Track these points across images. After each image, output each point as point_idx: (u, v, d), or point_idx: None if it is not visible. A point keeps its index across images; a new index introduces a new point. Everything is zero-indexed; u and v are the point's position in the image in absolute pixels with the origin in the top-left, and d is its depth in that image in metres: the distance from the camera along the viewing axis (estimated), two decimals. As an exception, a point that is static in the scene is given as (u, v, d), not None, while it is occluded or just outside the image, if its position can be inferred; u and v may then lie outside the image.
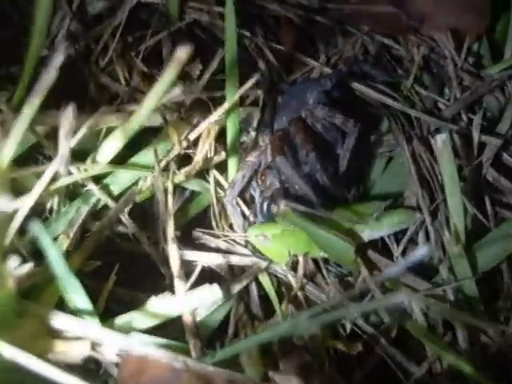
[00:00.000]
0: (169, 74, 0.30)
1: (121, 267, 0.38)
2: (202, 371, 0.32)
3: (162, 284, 0.40)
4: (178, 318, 0.36)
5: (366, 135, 0.42)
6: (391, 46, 0.49)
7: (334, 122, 0.40)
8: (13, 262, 0.27)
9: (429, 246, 0.39)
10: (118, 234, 0.41)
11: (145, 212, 0.42)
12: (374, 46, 0.49)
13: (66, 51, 0.31)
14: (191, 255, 0.40)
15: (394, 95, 0.46)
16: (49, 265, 0.33)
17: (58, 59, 0.30)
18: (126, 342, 0.31)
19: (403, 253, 0.41)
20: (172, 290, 0.36)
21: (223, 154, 0.41)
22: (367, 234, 0.40)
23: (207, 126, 0.38)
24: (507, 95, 0.46)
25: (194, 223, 0.43)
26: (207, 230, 0.42)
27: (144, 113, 0.33)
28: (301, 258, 0.40)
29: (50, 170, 0.33)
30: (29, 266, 0.29)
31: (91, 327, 0.31)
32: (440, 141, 0.38)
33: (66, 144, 0.33)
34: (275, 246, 0.39)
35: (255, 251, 0.41)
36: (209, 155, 0.40)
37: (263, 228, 0.40)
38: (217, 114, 0.37)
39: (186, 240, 0.41)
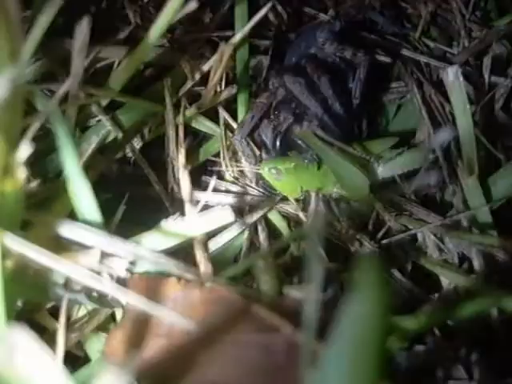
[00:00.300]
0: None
1: (129, 207, 0.37)
2: (215, 287, 0.31)
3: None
4: (186, 247, 0.35)
5: (376, 74, 0.42)
6: (399, 4, 0.50)
7: (344, 55, 0.40)
8: (23, 150, 0.27)
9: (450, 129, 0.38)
10: (126, 174, 0.41)
11: (153, 154, 0.42)
12: (382, 2, 0.49)
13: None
14: (201, 196, 0.39)
15: (403, 44, 0.46)
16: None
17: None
18: (136, 253, 0.31)
19: (415, 193, 0.41)
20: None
21: (232, 90, 0.41)
22: (381, 171, 0.40)
23: (219, 56, 0.37)
24: (512, 45, 0.46)
25: (204, 168, 0.43)
26: (217, 169, 0.41)
27: (159, 29, 0.32)
28: (313, 195, 0.39)
29: (63, 87, 0.33)
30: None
31: (102, 236, 0.30)
32: (451, 73, 0.37)
33: (79, 60, 0.33)
34: (288, 180, 0.39)
35: (266, 188, 0.40)
36: (218, 89, 0.40)
37: (276, 162, 0.39)
38: (229, 46, 0.37)
39: (196, 184, 0.41)
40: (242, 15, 0.38)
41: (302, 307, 0.30)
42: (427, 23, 0.48)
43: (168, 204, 0.40)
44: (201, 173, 0.42)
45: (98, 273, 0.31)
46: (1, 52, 0.25)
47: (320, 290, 0.29)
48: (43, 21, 0.31)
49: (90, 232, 0.30)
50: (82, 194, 0.30)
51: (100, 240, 0.30)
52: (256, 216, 0.39)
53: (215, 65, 0.37)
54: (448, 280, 0.36)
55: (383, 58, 0.45)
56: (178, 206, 0.39)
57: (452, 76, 0.38)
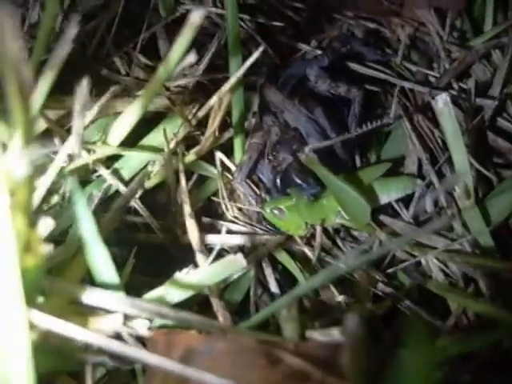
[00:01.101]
0: (184, 38, 0.31)
1: (135, 257, 0.37)
2: (238, 337, 0.31)
3: (177, 271, 0.40)
4: (199, 296, 0.35)
5: (367, 106, 0.43)
6: (376, 29, 0.51)
7: (338, 92, 0.41)
8: (44, 226, 0.27)
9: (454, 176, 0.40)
10: (128, 223, 0.41)
11: (153, 201, 0.42)
12: (360, 30, 0.50)
13: (77, 25, 0.31)
14: (204, 238, 0.40)
15: (387, 71, 0.47)
16: (73, 240, 0.33)
17: (72, 32, 0.30)
18: (158, 313, 0.31)
19: (414, 218, 0.42)
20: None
21: (228, 136, 0.42)
22: (378, 197, 0.41)
23: (215, 102, 0.38)
24: (493, 65, 0.48)
25: (202, 210, 0.43)
26: (219, 210, 0.42)
27: (159, 82, 0.33)
28: (318, 229, 0.40)
29: (65, 148, 0.33)
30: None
31: (122, 300, 0.30)
32: (441, 101, 0.38)
33: (80, 120, 0.33)
34: (291, 217, 0.39)
35: (270, 228, 0.41)
36: (217, 133, 0.40)
37: (277, 202, 0.40)
38: (225, 89, 0.37)
39: (198, 225, 0.41)
40: (236, 58, 0.39)
41: (327, 350, 0.31)
42: (407, 47, 0.49)
43: (174, 251, 0.40)
44: (200, 214, 0.42)
45: (121, 335, 0.31)
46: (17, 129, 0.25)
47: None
48: (45, 86, 0.31)
49: (110, 296, 0.30)
50: (100, 259, 0.30)
51: (121, 303, 0.30)
52: (264, 256, 0.40)
53: (214, 112, 0.37)
54: (456, 303, 0.37)
55: (370, 87, 0.46)
56: (184, 253, 0.39)
57: (442, 104, 0.39)
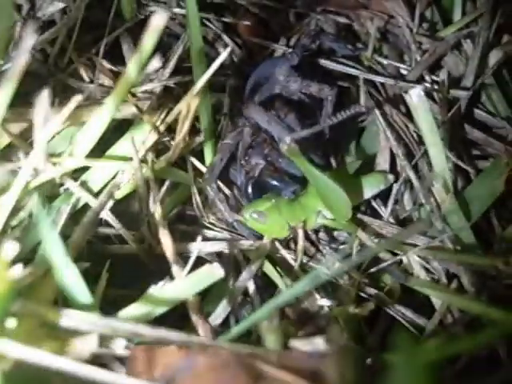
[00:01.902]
0: (148, 42, 0.29)
1: (107, 270, 0.36)
2: (219, 351, 0.30)
3: (153, 282, 0.38)
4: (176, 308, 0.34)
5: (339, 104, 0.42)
6: (345, 22, 0.50)
7: (309, 91, 0.40)
8: (9, 250, 0.25)
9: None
10: (99, 235, 0.39)
11: (122, 211, 0.40)
12: (329, 25, 0.49)
13: (35, 33, 0.29)
14: (180, 247, 0.38)
15: (357, 66, 0.46)
16: (42, 260, 0.31)
17: (30, 41, 0.29)
18: (136, 331, 0.30)
19: (393, 214, 0.41)
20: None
21: (199, 140, 0.40)
22: (355, 194, 0.40)
23: (183, 107, 0.37)
24: (464, 55, 0.47)
25: (177, 217, 0.42)
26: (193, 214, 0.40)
27: (123, 91, 0.31)
28: (300, 232, 0.39)
29: (28, 163, 0.32)
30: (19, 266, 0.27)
31: (98, 320, 0.29)
32: (415, 95, 0.38)
33: (42, 134, 0.31)
34: (273, 219, 0.38)
35: (249, 232, 0.40)
36: (187, 139, 0.39)
37: (256, 205, 0.39)
38: (192, 93, 0.36)
39: (173, 233, 0.40)
40: (200, 61, 0.37)
41: (312, 360, 0.30)
42: (377, 40, 0.48)
43: (148, 262, 0.39)
44: (175, 221, 0.41)
45: (98, 356, 0.30)
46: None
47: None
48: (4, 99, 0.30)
49: (84, 317, 0.29)
50: (71, 280, 0.29)
51: (96, 324, 0.29)
52: (242, 263, 0.39)
53: (182, 117, 0.36)
54: (440, 301, 0.37)
55: (341, 83, 0.45)
56: (159, 263, 0.38)
57: (416, 98, 0.38)
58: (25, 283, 0.30)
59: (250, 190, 0.39)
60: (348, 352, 0.28)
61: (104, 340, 0.29)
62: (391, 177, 0.42)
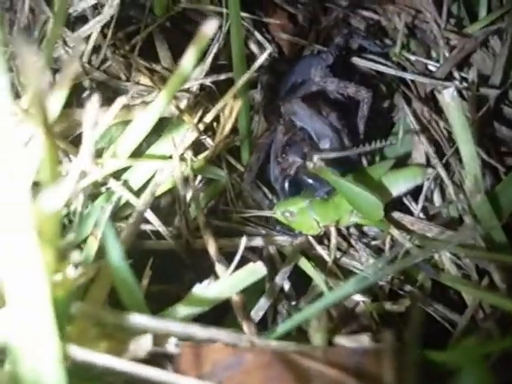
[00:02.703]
0: (195, 48, 0.30)
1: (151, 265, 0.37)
2: (266, 348, 0.31)
3: (190, 276, 0.39)
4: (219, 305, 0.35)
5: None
6: (372, 17, 0.50)
7: (347, 92, 0.40)
8: (74, 258, 0.26)
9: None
10: (138, 231, 0.40)
11: (161, 207, 0.41)
12: (357, 20, 0.50)
13: (81, 42, 0.30)
14: (218, 242, 0.39)
15: (387, 63, 0.47)
16: (89, 260, 0.32)
17: (77, 50, 0.30)
18: (188, 330, 0.31)
19: (423, 211, 0.42)
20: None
21: (238, 138, 0.41)
22: (388, 192, 0.41)
23: (224, 107, 0.37)
24: (492, 51, 0.47)
25: (211, 213, 0.43)
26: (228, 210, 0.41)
27: (168, 95, 0.32)
28: (332, 230, 0.40)
29: (76, 166, 0.32)
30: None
31: (153, 321, 0.30)
32: (448, 95, 0.38)
33: (90, 137, 0.32)
34: (302, 219, 0.39)
35: (284, 229, 0.40)
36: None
37: (288, 204, 0.40)
38: (231, 93, 0.37)
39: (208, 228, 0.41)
40: (241, 62, 0.38)
41: (356, 357, 0.31)
42: (405, 36, 0.49)
43: (185, 257, 0.40)
44: (208, 218, 0.42)
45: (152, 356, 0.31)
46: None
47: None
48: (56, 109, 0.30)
49: (138, 318, 0.30)
50: (125, 281, 0.30)
51: (149, 324, 0.30)
52: (278, 259, 0.40)
53: (224, 119, 0.37)
54: (471, 296, 0.38)
55: (371, 81, 0.46)
56: (195, 258, 0.39)
57: (448, 98, 0.38)
58: (78, 284, 0.31)
59: (286, 186, 0.40)
60: (398, 350, 0.29)
61: (157, 339, 0.30)
62: (430, 170, 0.42)
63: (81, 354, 0.27)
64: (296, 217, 0.39)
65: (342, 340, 0.32)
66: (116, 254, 0.29)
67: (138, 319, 0.30)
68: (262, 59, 0.36)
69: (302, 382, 0.30)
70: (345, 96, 0.41)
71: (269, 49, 0.36)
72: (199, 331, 0.31)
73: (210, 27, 0.29)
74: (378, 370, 0.29)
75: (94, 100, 0.31)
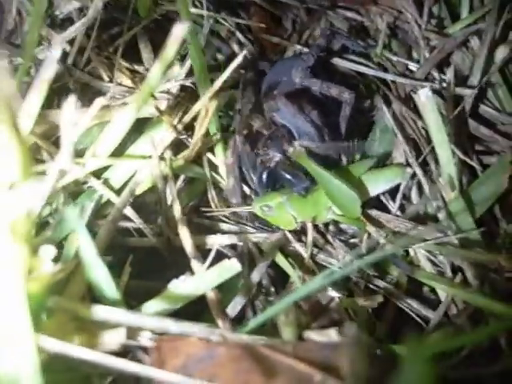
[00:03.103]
0: (168, 52, 0.31)
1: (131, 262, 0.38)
2: (238, 342, 0.32)
3: (171, 273, 0.40)
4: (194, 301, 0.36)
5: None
6: (354, 18, 0.51)
7: (330, 93, 0.41)
8: (47, 252, 0.27)
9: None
10: (119, 229, 0.41)
11: (140, 205, 0.42)
12: (340, 20, 0.51)
13: (62, 47, 0.31)
14: (197, 239, 0.40)
15: (368, 64, 0.48)
16: (69, 256, 0.33)
17: (56, 53, 0.30)
18: (161, 325, 0.32)
19: (400, 208, 0.43)
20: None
21: (217, 136, 0.42)
22: (367, 190, 0.42)
23: (200, 108, 0.38)
24: (471, 51, 0.48)
25: (193, 210, 0.43)
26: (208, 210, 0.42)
27: (146, 95, 0.33)
28: (309, 225, 0.41)
29: (56, 165, 0.33)
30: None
31: (126, 315, 0.31)
32: (423, 95, 0.39)
33: (69, 136, 0.33)
34: (280, 214, 0.40)
35: (261, 225, 0.41)
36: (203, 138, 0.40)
37: (266, 199, 0.41)
38: (209, 94, 0.38)
39: (189, 226, 0.41)
40: (204, 81, 0.39)
41: (325, 351, 0.32)
42: (387, 36, 0.49)
43: (166, 254, 0.41)
44: (190, 215, 0.43)
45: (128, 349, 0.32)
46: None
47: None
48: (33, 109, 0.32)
49: (113, 312, 0.31)
50: (100, 278, 0.31)
51: (123, 318, 0.31)
52: (256, 255, 0.40)
53: (200, 119, 0.37)
54: (445, 292, 0.39)
55: (351, 81, 0.47)
56: (176, 255, 0.40)
57: (424, 98, 0.39)
58: (55, 279, 0.32)
59: (264, 178, 0.41)
60: (360, 343, 0.30)
61: (131, 332, 0.31)
62: (409, 170, 0.43)
63: (56, 346, 0.28)
64: (274, 212, 0.40)
65: (311, 334, 0.33)
66: (89, 251, 0.30)
67: (112, 313, 0.31)
68: (237, 61, 0.37)
69: (271, 374, 0.31)
70: (327, 96, 0.42)
71: (244, 51, 0.36)
72: (172, 325, 0.32)
73: (180, 29, 0.30)
74: (344, 364, 0.30)
75: (71, 101, 0.32)
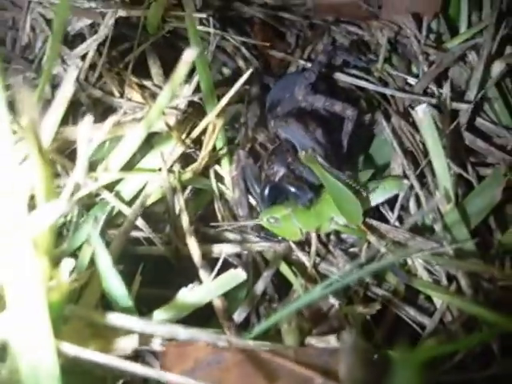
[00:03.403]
0: (179, 74, 0.33)
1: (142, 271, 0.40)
2: (243, 347, 0.34)
3: (179, 281, 0.42)
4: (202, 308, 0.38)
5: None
6: (356, 32, 0.53)
7: (333, 109, 0.43)
8: (66, 265, 0.29)
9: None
10: (130, 238, 0.43)
11: (152, 215, 0.44)
12: (342, 35, 0.52)
13: (78, 67, 0.33)
14: (204, 248, 0.42)
15: (368, 78, 0.50)
16: (83, 266, 0.35)
17: (73, 73, 0.32)
18: (171, 331, 0.34)
19: (399, 219, 0.45)
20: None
21: (224, 151, 0.44)
22: (368, 201, 0.43)
23: (207, 122, 0.40)
24: (469, 65, 0.50)
25: (200, 220, 0.45)
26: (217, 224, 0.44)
27: (158, 112, 0.35)
28: (313, 236, 0.42)
29: (72, 180, 0.35)
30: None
31: (139, 322, 0.33)
32: (421, 111, 0.41)
33: (85, 153, 0.35)
34: (286, 226, 0.42)
35: (267, 235, 0.43)
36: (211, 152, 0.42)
37: (273, 211, 0.42)
38: (216, 111, 0.40)
39: (197, 235, 0.43)
40: (211, 98, 0.41)
41: (325, 357, 0.34)
42: (387, 51, 0.51)
43: (175, 263, 0.42)
44: (198, 225, 0.45)
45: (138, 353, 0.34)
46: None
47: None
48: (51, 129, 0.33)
49: (127, 319, 0.33)
50: (114, 285, 0.33)
51: (136, 325, 0.33)
52: (261, 264, 0.42)
53: (208, 135, 0.39)
54: (440, 300, 0.41)
55: (352, 95, 0.49)
56: (185, 264, 0.42)
57: (421, 114, 0.41)
58: (72, 289, 0.34)
59: (266, 192, 0.43)
60: (357, 349, 0.32)
61: (143, 338, 0.33)
62: (406, 182, 0.44)
63: (74, 350, 0.30)
64: (280, 223, 0.42)
65: (312, 340, 0.35)
66: (105, 261, 0.32)
67: (125, 320, 0.33)
68: (243, 79, 0.39)
69: (273, 378, 0.33)
70: (330, 112, 0.44)
71: (251, 69, 0.38)
72: (182, 332, 0.34)
73: (189, 55, 0.32)
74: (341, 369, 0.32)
75: (88, 119, 0.34)
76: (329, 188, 0.41)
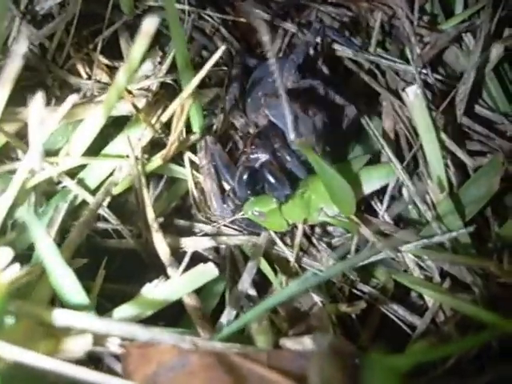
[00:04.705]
0: (139, 47, 0.29)
1: (106, 264, 0.36)
2: (211, 349, 0.31)
3: (150, 276, 0.39)
4: (173, 305, 0.35)
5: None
6: (345, 14, 0.50)
7: (334, 99, 0.40)
8: (2, 254, 0.26)
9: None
10: (98, 230, 0.40)
11: (121, 205, 0.41)
12: (330, 17, 0.49)
13: (28, 39, 0.30)
14: (177, 242, 0.39)
15: (360, 61, 0.47)
16: (39, 259, 0.32)
17: (22, 46, 0.29)
18: (129, 331, 0.30)
19: (388, 210, 0.41)
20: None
21: (196, 136, 0.41)
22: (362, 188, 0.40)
23: (178, 106, 0.37)
24: (465, 48, 0.47)
25: (175, 211, 0.42)
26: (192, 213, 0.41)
27: (116, 92, 0.32)
28: (299, 227, 0.39)
29: (24, 165, 0.32)
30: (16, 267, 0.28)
31: (92, 320, 0.30)
32: (411, 93, 0.38)
33: (37, 135, 0.32)
34: (272, 218, 0.39)
35: (251, 226, 0.40)
36: (182, 137, 0.39)
37: (257, 204, 0.39)
38: (186, 92, 0.36)
39: (170, 228, 0.40)
40: (187, 68, 0.37)
41: (300, 360, 0.31)
42: (379, 33, 0.48)
43: (145, 256, 0.39)
44: (172, 216, 0.42)
45: (93, 355, 0.30)
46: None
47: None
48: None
49: (80, 317, 0.29)
50: (65, 282, 0.29)
51: (91, 324, 0.30)
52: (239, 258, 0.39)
53: (176, 117, 0.36)
54: (432, 299, 0.37)
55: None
56: (155, 258, 0.39)
57: (412, 95, 0.38)
58: (21, 283, 0.31)
59: (245, 178, 0.39)
60: (335, 352, 0.29)
61: (99, 338, 0.30)
62: (399, 166, 0.41)
63: (15, 353, 0.27)
64: (264, 216, 0.39)
65: (287, 342, 0.31)
66: (51, 255, 0.28)
67: (76, 318, 0.30)
68: (216, 56, 0.36)
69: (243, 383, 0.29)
70: (332, 103, 0.41)
71: (223, 46, 0.35)
72: (141, 331, 0.30)
73: (150, 23, 0.29)
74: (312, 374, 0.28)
75: (38, 98, 0.31)
76: (322, 175, 0.37)
